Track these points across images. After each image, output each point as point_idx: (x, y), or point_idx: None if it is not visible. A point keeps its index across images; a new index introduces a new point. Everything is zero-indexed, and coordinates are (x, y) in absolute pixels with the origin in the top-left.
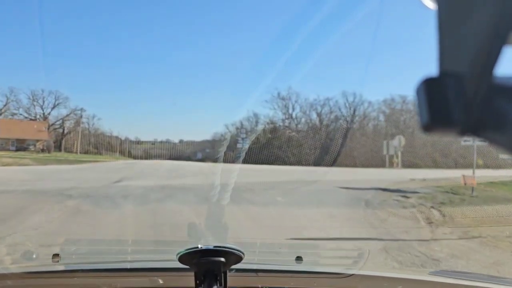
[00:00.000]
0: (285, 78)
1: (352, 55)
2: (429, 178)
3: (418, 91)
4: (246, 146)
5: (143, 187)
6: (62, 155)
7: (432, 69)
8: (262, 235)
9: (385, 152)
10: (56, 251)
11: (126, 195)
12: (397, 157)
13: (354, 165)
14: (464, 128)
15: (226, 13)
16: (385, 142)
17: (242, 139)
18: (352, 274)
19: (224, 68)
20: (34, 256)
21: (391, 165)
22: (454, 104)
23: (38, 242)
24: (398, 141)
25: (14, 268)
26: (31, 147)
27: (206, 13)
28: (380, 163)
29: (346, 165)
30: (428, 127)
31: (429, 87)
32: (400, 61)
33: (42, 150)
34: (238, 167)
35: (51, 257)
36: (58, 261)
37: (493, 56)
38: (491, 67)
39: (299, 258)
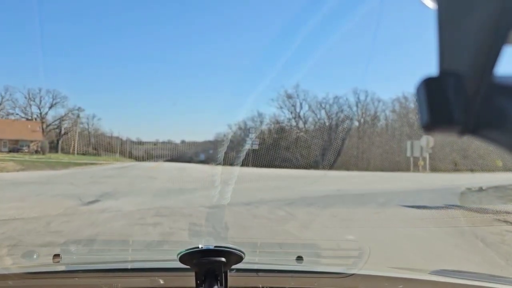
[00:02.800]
0: (291, 77)
1: (360, 53)
2: (484, 186)
3: (418, 91)
4: (256, 147)
5: (127, 214)
6: (57, 156)
7: (434, 67)
8: None
9: (409, 153)
10: (57, 251)
11: (88, 241)
12: (423, 159)
13: (367, 169)
14: (464, 127)
15: (228, 12)
16: (409, 142)
17: (251, 139)
18: (353, 274)
19: (226, 68)
20: (34, 256)
21: (416, 168)
22: (454, 103)
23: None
24: (426, 141)
25: (15, 269)
26: (25, 148)
27: (208, 13)
28: (397, 166)
29: (363, 169)
30: (428, 127)
31: (429, 86)
32: (408, 58)
33: (36, 152)
34: (253, 172)
35: (51, 257)
36: (58, 262)
37: (493, 55)
38: (491, 66)
39: (299, 258)
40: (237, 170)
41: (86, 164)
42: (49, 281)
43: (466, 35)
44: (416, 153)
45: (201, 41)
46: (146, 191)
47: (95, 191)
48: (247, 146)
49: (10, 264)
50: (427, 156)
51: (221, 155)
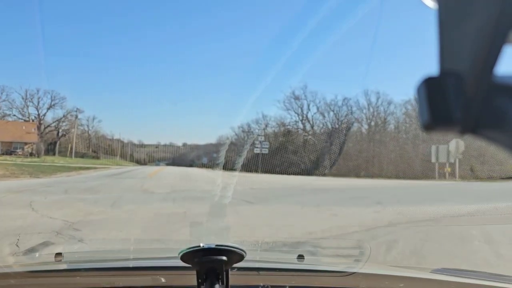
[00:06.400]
0: (294, 77)
1: (367, 54)
2: None
3: (418, 90)
4: (266, 151)
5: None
6: (52, 159)
7: (434, 68)
8: None
9: (434, 159)
10: (59, 250)
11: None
12: (450, 165)
13: (380, 176)
14: (464, 126)
15: (229, 13)
16: (433, 147)
17: (260, 142)
18: (354, 272)
19: (228, 68)
20: (36, 255)
21: (442, 175)
22: (455, 103)
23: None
24: (455, 146)
25: (17, 267)
26: (19, 151)
27: (211, 13)
28: (419, 172)
29: (387, 176)
30: (428, 126)
31: (429, 86)
32: (412, 59)
33: (31, 154)
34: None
35: (53, 256)
36: (60, 260)
37: (493, 55)
38: (491, 66)
39: (300, 256)
40: (255, 180)
41: (81, 168)
42: (51, 280)
43: (466, 35)
44: (442, 159)
45: (202, 42)
46: (134, 221)
47: (54, 223)
48: (262, 150)
49: (12, 262)
50: (456, 162)
51: (226, 159)
